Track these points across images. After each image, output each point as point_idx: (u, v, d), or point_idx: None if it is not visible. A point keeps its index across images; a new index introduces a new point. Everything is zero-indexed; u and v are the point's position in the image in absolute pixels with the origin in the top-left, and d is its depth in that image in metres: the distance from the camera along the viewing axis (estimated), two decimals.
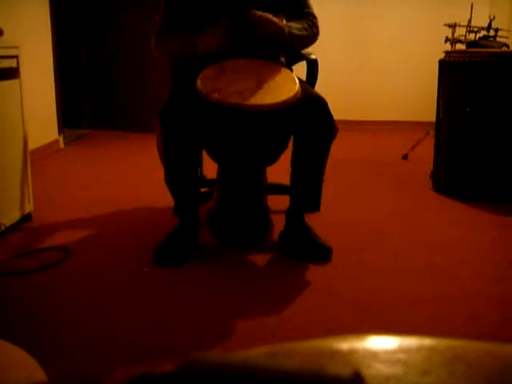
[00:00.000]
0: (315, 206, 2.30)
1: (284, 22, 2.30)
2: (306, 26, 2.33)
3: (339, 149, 2.52)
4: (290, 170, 2.29)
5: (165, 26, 2.35)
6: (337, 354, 0.40)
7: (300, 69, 2.51)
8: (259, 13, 2.20)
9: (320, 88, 2.44)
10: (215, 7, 2.30)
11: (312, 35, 2.35)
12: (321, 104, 2.16)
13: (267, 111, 2.04)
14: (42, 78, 4.39)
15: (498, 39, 3.63)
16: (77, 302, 1.93)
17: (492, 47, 3.45)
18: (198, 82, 2.06)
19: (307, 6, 2.39)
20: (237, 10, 2.28)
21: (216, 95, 2.01)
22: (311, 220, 2.37)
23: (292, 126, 2.20)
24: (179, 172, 2.23)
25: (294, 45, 2.34)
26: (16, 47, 2.59)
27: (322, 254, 2.26)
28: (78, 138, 5.16)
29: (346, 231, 2.63)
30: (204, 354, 0.33)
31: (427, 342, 0.41)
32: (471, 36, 3.71)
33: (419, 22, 5.62)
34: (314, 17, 2.38)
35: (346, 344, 0.41)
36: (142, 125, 5.09)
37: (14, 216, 2.57)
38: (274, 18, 2.21)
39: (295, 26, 2.29)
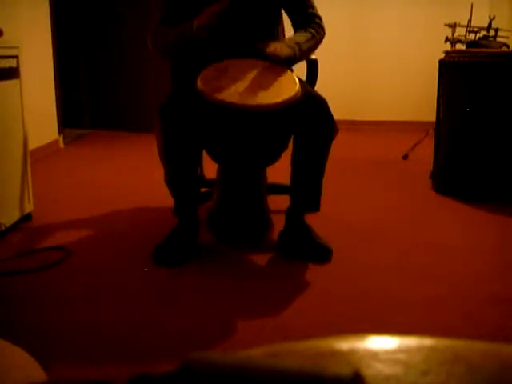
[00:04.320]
0: (315, 206, 2.30)
1: (291, 38, 2.31)
2: (314, 31, 2.33)
3: (339, 149, 2.52)
4: (290, 169, 2.29)
5: (163, 24, 2.34)
6: (337, 354, 0.40)
7: (300, 69, 2.51)
8: (270, 50, 2.19)
9: (320, 88, 2.44)
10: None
11: (319, 39, 2.36)
12: (321, 104, 2.16)
13: (267, 111, 2.04)
14: (42, 78, 4.39)
15: (498, 39, 3.63)
16: (77, 301, 1.93)
17: (492, 47, 3.44)
18: (198, 82, 2.06)
19: (311, 7, 2.39)
20: (237, 10, 2.28)
21: (216, 95, 2.01)
22: (311, 220, 2.37)
23: (292, 125, 2.20)
24: (179, 172, 2.23)
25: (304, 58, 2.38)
26: (16, 47, 2.59)
27: (322, 254, 2.26)
28: (78, 138, 5.16)
29: (345, 231, 2.63)
30: (204, 354, 0.33)
31: (427, 341, 0.41)
32: (471, 36, 3.71)
33: (419, 22, 5.62)
34: (319, 18, 2.38)
35: (346, 344, 0.41)
36: (142, 125, 5.09)
37: (14, 216, 2.57)
38: (284, 51, 2.20)
39: (304, 38, 2.29)
